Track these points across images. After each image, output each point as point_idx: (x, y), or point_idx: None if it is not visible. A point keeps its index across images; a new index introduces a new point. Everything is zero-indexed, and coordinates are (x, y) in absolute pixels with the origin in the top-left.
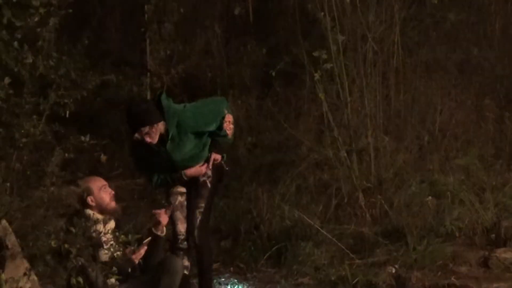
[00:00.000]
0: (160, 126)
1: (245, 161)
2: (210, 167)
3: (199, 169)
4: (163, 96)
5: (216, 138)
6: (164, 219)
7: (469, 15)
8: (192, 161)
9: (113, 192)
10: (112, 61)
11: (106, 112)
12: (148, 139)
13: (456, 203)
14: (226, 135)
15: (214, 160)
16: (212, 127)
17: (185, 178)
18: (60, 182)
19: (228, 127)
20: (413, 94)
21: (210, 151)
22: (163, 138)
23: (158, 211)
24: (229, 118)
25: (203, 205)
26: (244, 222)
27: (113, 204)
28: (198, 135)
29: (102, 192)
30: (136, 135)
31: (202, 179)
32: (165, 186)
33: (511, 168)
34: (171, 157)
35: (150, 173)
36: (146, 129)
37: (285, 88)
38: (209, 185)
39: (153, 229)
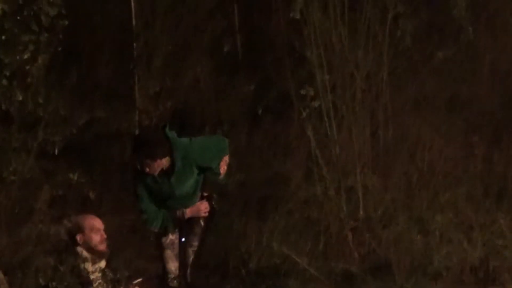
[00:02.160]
0: (164, 162)
1: (233, 197)
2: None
3: (199, 208)
4: (167, 129)
5: (209, 176)
6: None
7: (457, 52)
8: (188, 199)
9: (104, 236)
10: (101, 97)
11: (95, 147)
12: (147, 170)
13: (444, 241)
14: (219, 174)
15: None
16: (215, 164)
17: (185, 217)
18: (49, 219)
19: (223, 167)
20: (402, 130)
21: (202, 189)
22: (167, 171)
23: None
24: (225, 158)
25: (196, 243)
26: (232, 258)
27: (102, 247)
28: (199, 171)
29: (93, 233)
30: (138, 164)
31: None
32: (161, 229)
33: (500, 207)
34: (174, 191)
35: (148, 208)
36: (148, 161)
37: (274, 125)
38: (202, 223)
39: None
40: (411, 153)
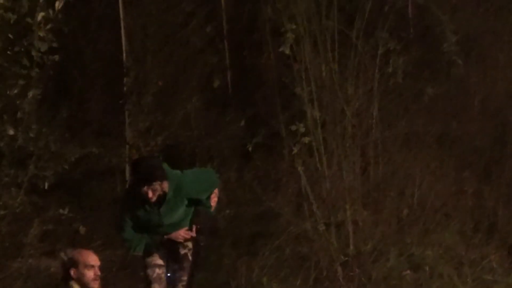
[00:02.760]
0: (165, 185)
1: (224, 233)
2: (190, 235)
3: (178, 233)
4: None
5: (199, 208)
6: None
7: (448, 88)
8: (176, 228)
9: (98, 273)
10: (92, 132)
11: (86, 183)
12: (150, 195)
13: (434, 276)
14: (210, 207)
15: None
16: (206, 196)
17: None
18: (39, 254)
19: (213, 199)
20: (392, 166)
21: (191, 221)
22: (159, 199)
23: None
24: (216, 190)
25: (185, 278)
26: None
27: (95, 285)
28: (189, 202)
29: (87, 269)
30: (145, 188)
31: (183, 251)
32: (144, 252)
33: (490, 242)
34: (162, 220)
35: (131, 235)
36: (157, 184)
37: (264, 161)
38: (190, 257)
39: None
40: (402, 188)
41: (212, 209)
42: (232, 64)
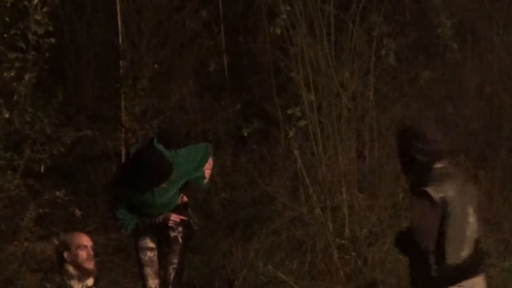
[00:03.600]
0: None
1: (219, 217)
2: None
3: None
4: (156, 141)
5: (192, 180)
6: None
7: (443, 72)
8: (167, 207)
9: (92, 253)
10: (87, 116)
11: (81, 167)
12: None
13: None
14: (204, 178)
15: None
16: (199, 173)
17: (158, 221)
18: (34, 237)
19: (207, 171)
20: (388, 150)
21: (181, 192)
22: None
23: None
24: (210, 161)
25: (176, 260)
26: (218, 278)
27: (89, 264)
28: (182, 182)
29: (80, 250)
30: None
31: (173, 234)
32: (135, 232)
33: (485, 226)
34: (155, 200)
35: (123, 215)
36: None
37: (260, 145)
38: (180, 240)
39: None
40: (397, 173)
41: (206, 181)
42: (228, 48)
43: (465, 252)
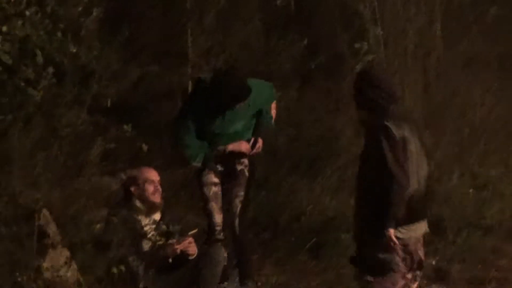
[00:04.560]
0: None
1: (284, 153)
2: (254, 151)
3: (240, 144)
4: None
5: (260, 120)
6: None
7: (510, 8)
8: (236, 138)
9: (159, 188)
10: (153, 52)
11: (146, 103)
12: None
13: (496, 196)
14: (271, 118)
15: (258, 147)
16: (267, 106)
17: (226, 152)
18: (101, 173)
19: (273, 111)
20: (453, 88)
21: (253, 134)
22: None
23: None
24: (273, 104)
25: (242, 193)
26: (283, 214)
27: (156, 198)
28: (252, 112)
29: (147, 184)
30: None
31: (239, 167)
32: (202, 165)
33: None
34: (224, 128)
35: (192, 142)
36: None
37: (326, 80)
38: (247, 174)
39: None
40: (463, 109)
41: (273, 121)
42: None
43: (419, 191)
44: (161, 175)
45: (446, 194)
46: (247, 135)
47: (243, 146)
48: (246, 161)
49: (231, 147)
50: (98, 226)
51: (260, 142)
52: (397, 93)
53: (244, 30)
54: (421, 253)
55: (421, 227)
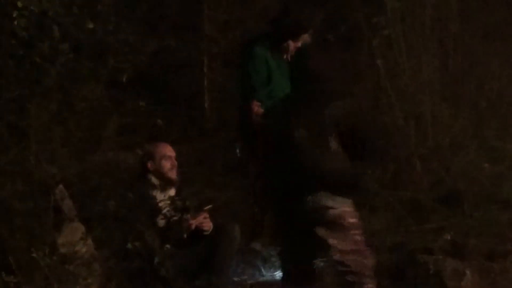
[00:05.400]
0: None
1: None
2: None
3: None
4: None
5: None
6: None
7: None
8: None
9: (175, 163)
10: (170, 26)
11: (164, 76)
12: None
13: None
14: None
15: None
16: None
17: None
18: (117, 147)
19: None
20: (471, 59)
21: None
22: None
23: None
24: None
25: None
26: None
27: (172, 174)
28: None
29: (164, 160)
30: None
31: None
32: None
33: None
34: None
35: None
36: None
37: (343, 53)
38: None
39: None
40: (480, 82)
41: None
42: None
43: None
44: (178, 150)
45: (462, 168)
46: None
47: None
48: None
49: None
50: (113, 202)
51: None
52: None
53: (261, 2)
54: None
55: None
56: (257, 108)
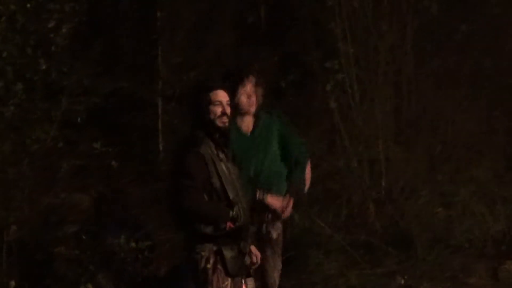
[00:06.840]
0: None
1: None
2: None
3: (280, 201)
4: None
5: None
6: None
7: (481, 26)
8: (275, 178)
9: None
10: (124, 67)
11: (118, 117)
12: (244, 101)
13: (466, 214)
14: (304, 185)
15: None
16: (298, 148)
17: (265, 202)
18: (71, 189)
19: (307, 177)
20: (424, 104)
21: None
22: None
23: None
24: (308, 168)
25: (280, 264)
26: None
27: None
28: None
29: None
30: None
31: (275, 233)
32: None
33: None
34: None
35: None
36: (252, 81)
37: (297, 98)
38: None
39: None
40: (434, 126)
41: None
42: (266, 0)
43: None
44: (131, 191)
45: (415, 212)
46: (284, 181)
47: (284, 206)
48: (280, 225)
49: (270, 200)
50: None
51: (291, 203)
52: None
53: (215, 46)
54: None
55: None
56: None
